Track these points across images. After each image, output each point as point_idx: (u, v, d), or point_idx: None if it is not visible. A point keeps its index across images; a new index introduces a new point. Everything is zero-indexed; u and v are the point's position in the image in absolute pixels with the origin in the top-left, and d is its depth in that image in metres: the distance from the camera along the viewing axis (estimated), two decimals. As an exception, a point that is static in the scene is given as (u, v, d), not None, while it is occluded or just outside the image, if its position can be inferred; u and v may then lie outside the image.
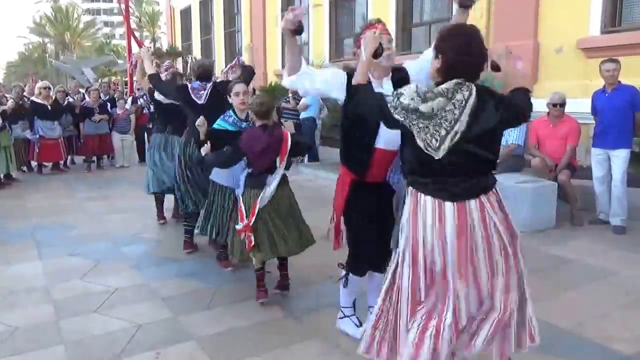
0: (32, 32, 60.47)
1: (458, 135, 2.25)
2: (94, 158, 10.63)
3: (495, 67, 2.50)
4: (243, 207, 3.69)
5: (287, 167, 3.79)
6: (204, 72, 4.91)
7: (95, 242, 5.43)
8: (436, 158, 2.27)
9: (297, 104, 10.35)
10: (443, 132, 2.24)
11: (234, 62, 5.59)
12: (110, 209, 6.90)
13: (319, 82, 2.98)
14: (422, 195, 2.35)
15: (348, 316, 3.28)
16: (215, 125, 4.10)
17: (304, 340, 3.24)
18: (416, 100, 2.25)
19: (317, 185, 8.20)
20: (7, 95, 9.63)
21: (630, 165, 5.57)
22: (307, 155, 10.06)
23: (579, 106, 6.21)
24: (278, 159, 3.69)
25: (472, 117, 2.24)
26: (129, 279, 4.38)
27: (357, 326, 3.21)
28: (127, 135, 10.81)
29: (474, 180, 2.34)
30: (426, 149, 2.27)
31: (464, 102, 2.24)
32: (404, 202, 2.46)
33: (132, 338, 3.30)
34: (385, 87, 2.86)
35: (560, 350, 3.08)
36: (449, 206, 2.30)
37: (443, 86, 2.27)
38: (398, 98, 2.29)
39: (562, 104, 5.97)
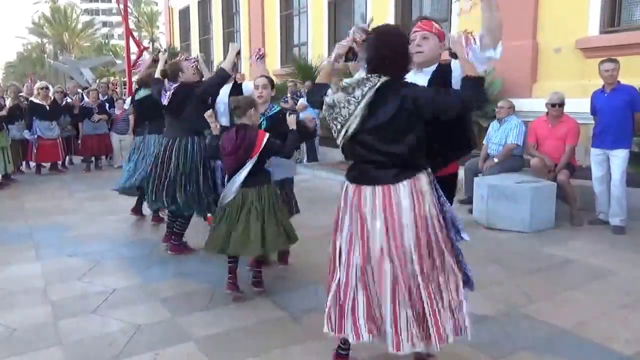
0: (31, 33, 60.43)
1: (350, 130, 2.45)
2: (92, 158, 10.62)
3: (454, 55, 2.65)
4: None
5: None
6: (165, 74, 4.97)
7: (94, 242, 5.42)
8: (339, 144, 2.56)
9: (296, 104, 10.34)
10: (339, 126, 2.47)
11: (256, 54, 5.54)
12: (108, 210, 6.89)
13: None
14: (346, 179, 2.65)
15: None
16: None
17: (303, 341, 3.23)
18: (329, 92, 2.52)
19: (316, 185, 8.18)
20: (4, 97, 9.59)
21: (630, 165, 5.56)
22: (306, 156, 10.06)
23: (578, 106, 6.21)
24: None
25: (368, 110, 2.41)
26: (128, 279, 4.36)
27: None
28: (126, 135, 10.79)
29: (380, 169, 2.50)
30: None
31: (360, 98, 2.40)
32: None
33: (131, 339, 3.29)
34: (416, 77, 2.85)
35: (560, 350, 3.08)
36: (350, 187, 2.59)
37: (347, 80, 2.44)
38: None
39: (561, 104, 5.97)
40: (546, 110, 6.12)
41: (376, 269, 2.50)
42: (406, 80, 2.54)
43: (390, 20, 9.99)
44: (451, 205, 2.86)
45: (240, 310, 3.70)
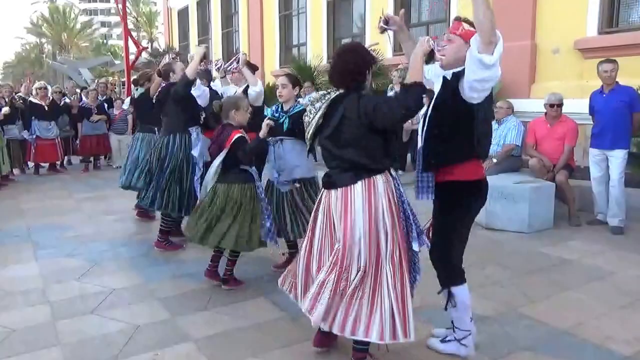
0: (29, 33, 60.36)
1: (308, 136, 2.84)
2: (91, 158, 10.62)
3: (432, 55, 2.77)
4: None
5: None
6: (160, 74, 5.28)
7: (92, 242, 5.41)
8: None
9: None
10: (307, 132, 2.86)
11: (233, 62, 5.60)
12: (107, 210, 6.88)
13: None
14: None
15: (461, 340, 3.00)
16: None
17: (301, 341, 3.23)
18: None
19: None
20: (4, 97, 9.56)
21: (628, 165, 5.57)
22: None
23: (577, 107, 6.21)
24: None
25: (324, 120, 2.75)
26: (126, 279, 4.36)
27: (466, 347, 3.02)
28: (124, 135, 10.80)
29: (332, 173, 2.81)
30: None
31: (319, 109, 2.77)
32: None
33: (130, 339, 3.29)
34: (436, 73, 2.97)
35: (559, 350, 3.08)
36: (324, 194, 2.87)
37: (313, 95, 2.91)
38: None
39: (560, 105, 5.98)
40: (544, 110, 6.13)
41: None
42: (360, 92, 2.74)
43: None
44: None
45: (239, 311, 3.70)
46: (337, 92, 2.76)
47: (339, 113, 2.70)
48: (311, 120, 2.79)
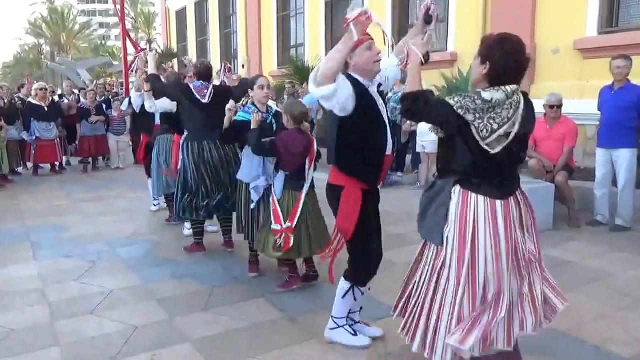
0: (28, 34, 60.33)
1: (511, 135, 2.38)
2: (90, 159, 10.60)
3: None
4: (279, 209, 3.73)
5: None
6: (206, 72, 4.91)
7: (91, 243, 5.40)
8: (491, 152, 2.37)
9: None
10: (495, 126, 2.37)
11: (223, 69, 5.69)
12: (105, 210, 6.87)
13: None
14: (473, 194, 2.43)
15: (342, 326, 3.16)
16: (237, 117, 4.16)
17: (300, 341, 3.22)
18: (474, 96, 2.39)
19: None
20: (3, 98, 9.54)
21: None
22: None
23: (576, 107, 6.21)
24: (307, 161, 3.78)
25: (522, 119, 2.40)
26: (125, 280, 4.35)
27: (353, 334, 3.15)
28: (123, 136, 10.79)
29: (514, 179, 2.55)
30: (478, 139, 2.36)
31: (517, 104, 2.41)
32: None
33: (128, 340, 3.28)
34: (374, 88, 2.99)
35: (559, 351, 3.08)
36: (499, 204, 2.43)
37: (503, 87, 2.41)
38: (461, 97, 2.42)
39: (559, 105, 5.96)
40: (544, 111, 6.12)
41: None
42: None
43: (387, 21, 9.99)
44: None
45: (238, 311, 3.68)
46: (519, 89, 2.47)
47: (532, 114, 2.50)
48: (512, 116, 2.37)
